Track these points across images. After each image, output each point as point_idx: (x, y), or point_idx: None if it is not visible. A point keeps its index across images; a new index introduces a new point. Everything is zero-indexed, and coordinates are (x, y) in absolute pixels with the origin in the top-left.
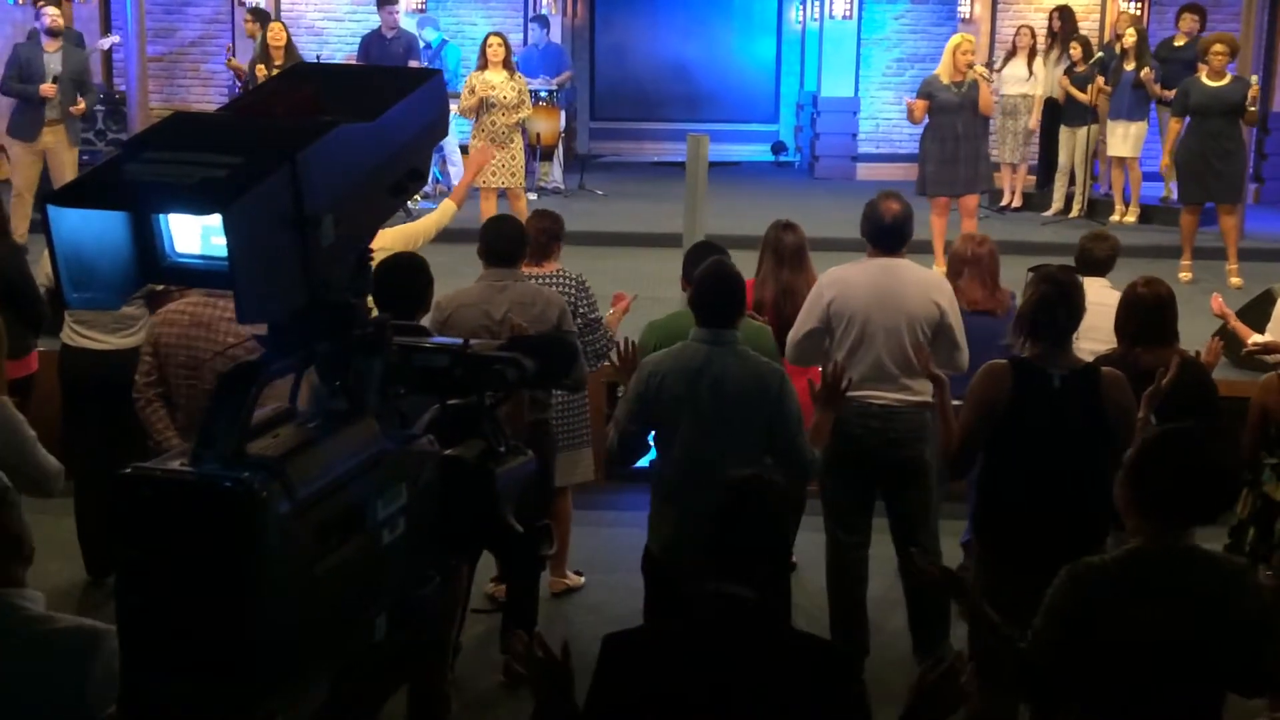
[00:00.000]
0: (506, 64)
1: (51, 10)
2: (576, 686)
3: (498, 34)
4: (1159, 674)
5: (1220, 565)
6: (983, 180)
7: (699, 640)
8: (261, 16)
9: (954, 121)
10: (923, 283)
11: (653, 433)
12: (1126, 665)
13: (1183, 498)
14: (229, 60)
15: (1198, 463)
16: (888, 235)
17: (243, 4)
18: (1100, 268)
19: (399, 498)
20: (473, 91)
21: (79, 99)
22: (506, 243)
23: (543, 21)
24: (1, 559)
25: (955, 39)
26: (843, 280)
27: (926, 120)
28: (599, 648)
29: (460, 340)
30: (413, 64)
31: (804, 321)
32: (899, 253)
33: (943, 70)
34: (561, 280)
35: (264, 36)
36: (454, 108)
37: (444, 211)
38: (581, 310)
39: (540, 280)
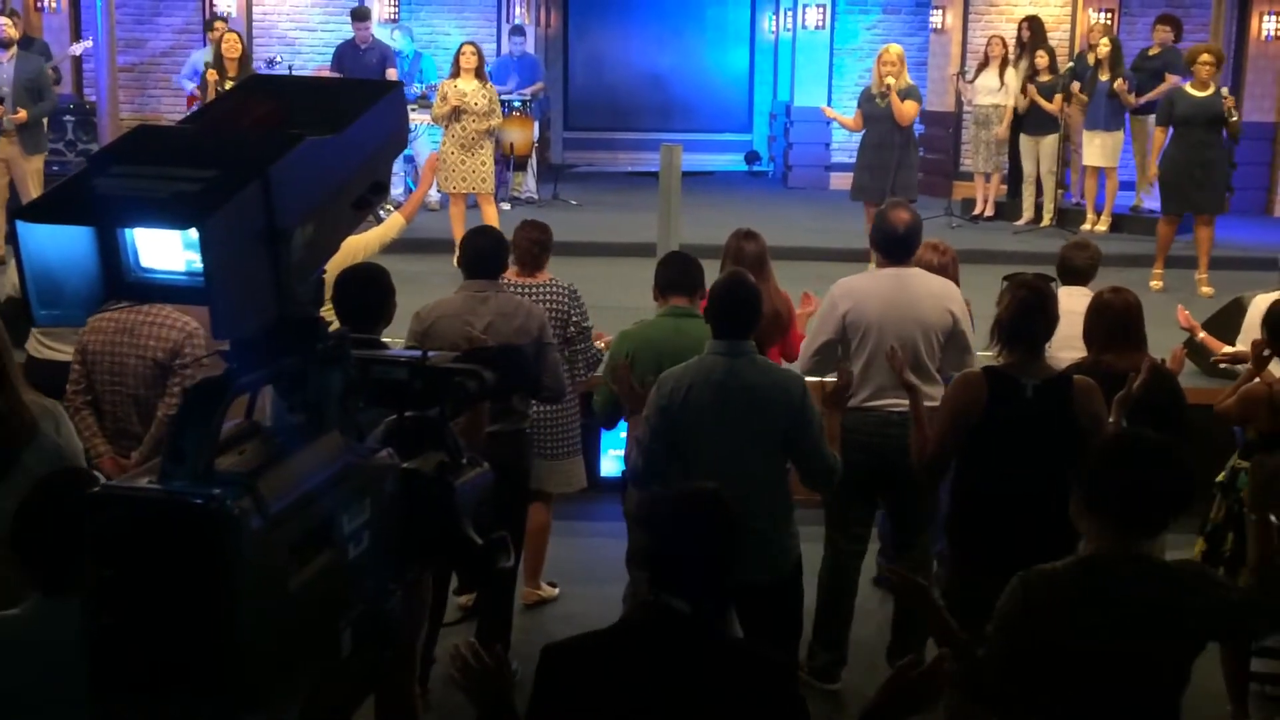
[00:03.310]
0: (479, 73)
1: (4, 20)
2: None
3: (471, 43)
4: (1110, 682)
5: (1173, 572)
6: (902, 189)
7: (633, 651)
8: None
9: (874, 131)
10: (936, 292)
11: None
12: (1078, 673)
13: (1139, 504)
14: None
15: (1155, 469)
16: (899, 245)
17: (216, 17)
18: (1081, 276)
19: (364, 511)
20: (445, 99)
21: (18, 109)
22: (488, 254)
23: (521, 32)
24: None
25: (880, 51)
26: (857, 291)
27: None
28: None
29: (419, 352)
30: (390, 73)
31: (819, 333)
32: (908, 262)
33: (873, 81)
34: (554, 290)
35: (218, 46)
36: (415, 119)
37: (390, 225)
38: (575, 319)
39: (532, 290)
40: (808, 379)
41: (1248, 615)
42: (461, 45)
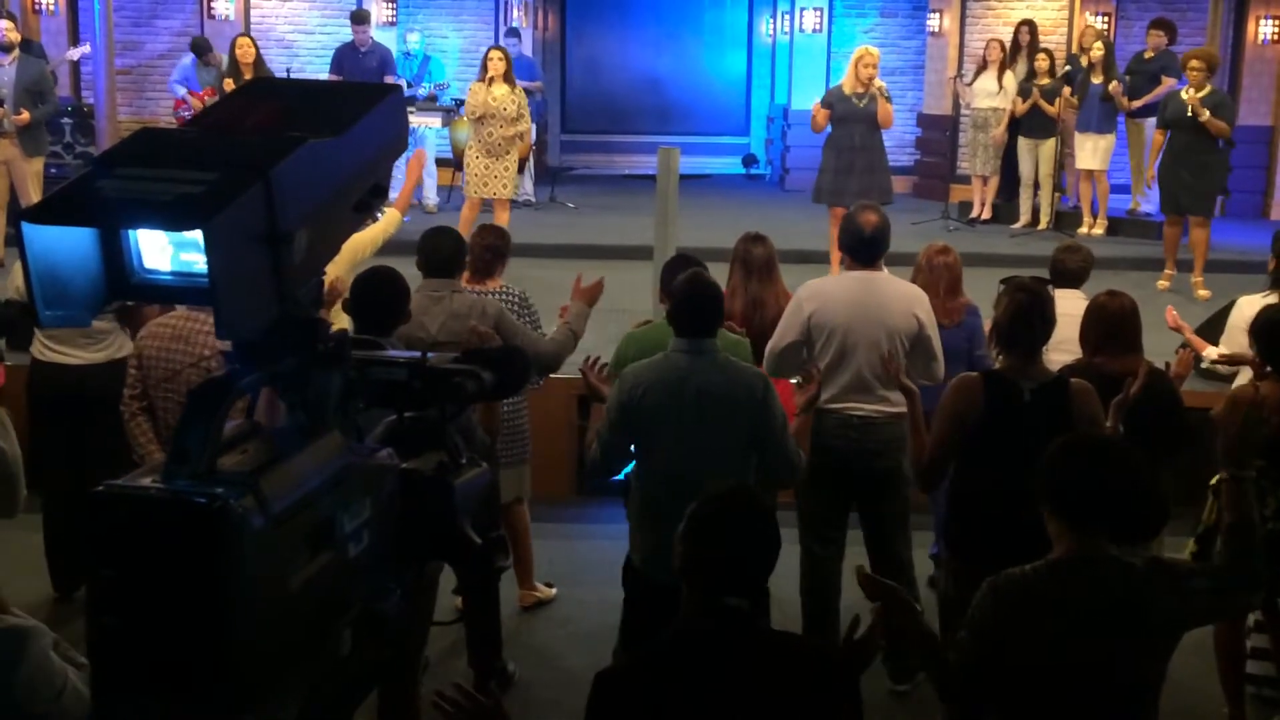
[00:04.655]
0: (507, 77)
1: (5, 24)
2: (546, 703)
3: (499, 48)
4: (1081, 684)
5: (1136, 571)
6: (878, 192)
7: (698, 656)
8: (203, 47)
9: (851, 133)
10: (902, 296)
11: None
12: (1048, 677)
13: (1094, 505)
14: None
15: (1107, 469)
16: (867, 247)
17: (213, 17)
18: (1073, 279)
19: (364, 511)
20: (476, 94)
21: (21, 110)
22: (444, 254)
23: (516, 34)
24: None
25: (858, 51)
26: (822, 293)
27: (829, 130)
28: (571, 662)
29: (418, 353)
30: (389, 79)
31: (784, 334)
32: (876, 264)
33: (845, 81)
34: (506, 297)
35: (231, 52)
36: (417, 120)
37: (389, 221)
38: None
39: (484, 297)
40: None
41: (1220, 599)
42: (488, 51)
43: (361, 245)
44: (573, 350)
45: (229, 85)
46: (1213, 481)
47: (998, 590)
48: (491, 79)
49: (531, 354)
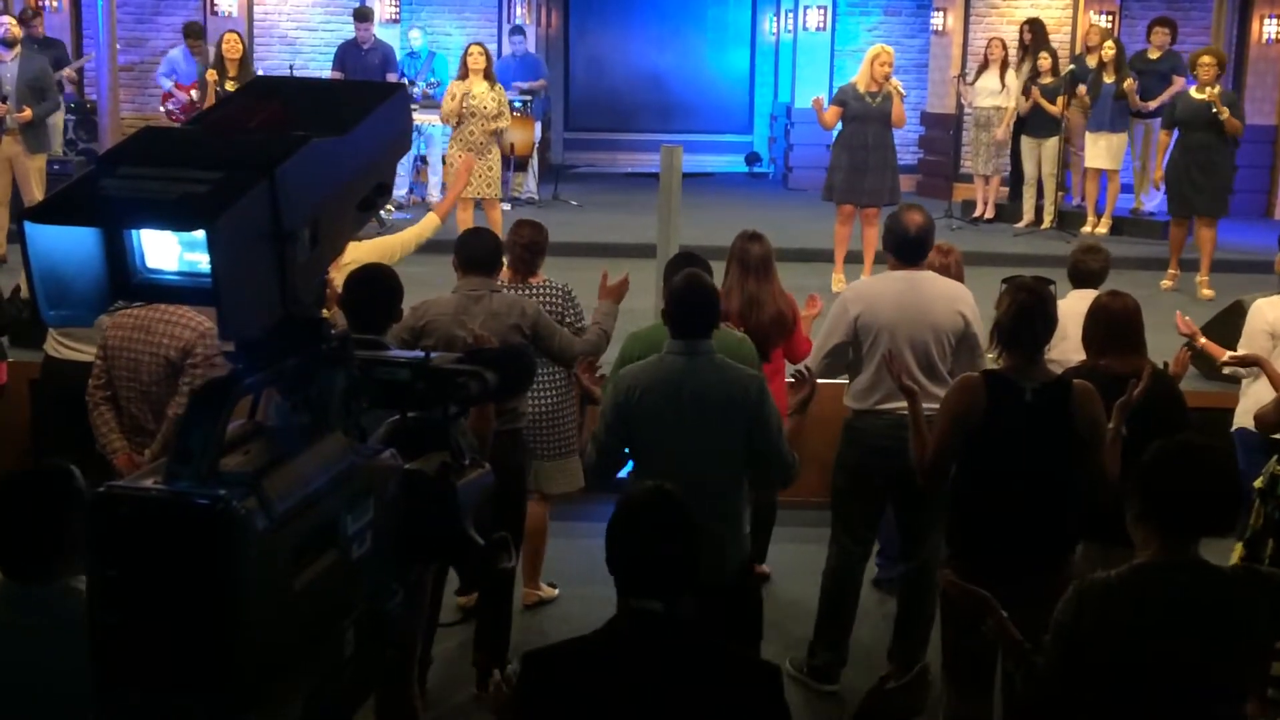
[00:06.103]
0: (487, 74)
1: (7, 19)
2: None
3: (479, 44)
4: (1168, 689)
5: (1228, 575)
6: (889, 193)
7: (614, 655)
8: (195, 32)
9: (865, 131)
10: (947, 294)
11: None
12: (1138, 682)
13: (1196, 508)
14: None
15: (1208, 472)
16: (911, 247)
17: (215, 13)
18: (1094, 280)
19: (367, 512)
20: (454, 98)
21: (24, 107)
22: (484, 253)
23: (521, 32)
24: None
25: (874, 49)
26: (868, 294)
27: (838, 128)
28: None
29: (421, 353)
30: (390, 77)
31: (830, 335)
32: (920, 265)
33: (859, 79)
34: (549, 291)
35: (219, 46)
36: (426, 118)
37: (426, 225)
38: (569, 320)
39: (526, 293)
40: (820, 380)
41: None
42: (469, 46)
43: (391, 248)
44: (606, 348)
45: (211, 76)
46: (1257, 484)
47: (1082, 595)
48: (471, 78)
49: (569, 353)
